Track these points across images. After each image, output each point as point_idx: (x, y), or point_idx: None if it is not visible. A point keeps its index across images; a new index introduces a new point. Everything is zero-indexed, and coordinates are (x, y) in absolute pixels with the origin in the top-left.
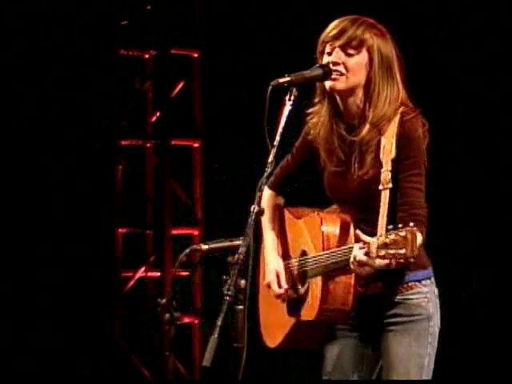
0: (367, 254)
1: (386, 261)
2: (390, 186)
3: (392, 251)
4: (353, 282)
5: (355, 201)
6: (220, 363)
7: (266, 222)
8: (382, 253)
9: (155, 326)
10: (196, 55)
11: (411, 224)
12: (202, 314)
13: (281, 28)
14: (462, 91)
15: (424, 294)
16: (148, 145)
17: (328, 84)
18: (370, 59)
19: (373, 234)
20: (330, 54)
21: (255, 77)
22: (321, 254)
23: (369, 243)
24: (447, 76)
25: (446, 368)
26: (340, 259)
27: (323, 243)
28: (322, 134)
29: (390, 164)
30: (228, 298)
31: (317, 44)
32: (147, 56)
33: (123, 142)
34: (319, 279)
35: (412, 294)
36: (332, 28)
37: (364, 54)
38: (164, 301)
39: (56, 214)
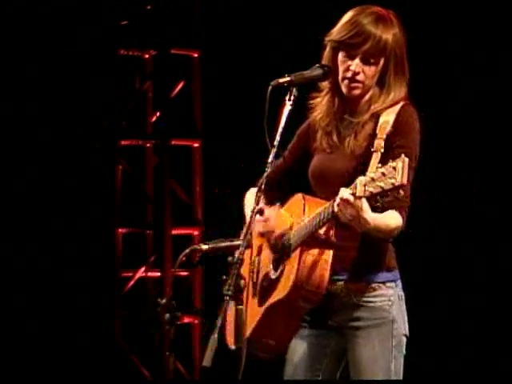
0: (353, 194)
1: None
2: (382, 151)
3: (381, 183)
4: (330, 259)
5: (341, 182)
6: (220, 363)
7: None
8: (370, 188)
9: (155, 326)
10: (196, 55)
11: (403, 155)
12: (201, 314)
13: (281, 28)
14: (461, 90)
15: (388, 297)
16: (148, 145)
17: (346, 91)
18: (386, 61)
19: None
20: (349, 56)
21: (255, 77)
22: (305, 221)
23: (355, 182)
24: (446, 75)
25: (447, 367)
26: (324, 214)
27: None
28: (325, 118)
29: (384, 136)
30: (228, 297)
31: (327, 34)
32: (147, 56)
33: (123, 142)
34: (296, 254)
35: (375, 296)
36: (354, 32)
37: (382, 60)
38: (164, 301)
39: (56, 213)
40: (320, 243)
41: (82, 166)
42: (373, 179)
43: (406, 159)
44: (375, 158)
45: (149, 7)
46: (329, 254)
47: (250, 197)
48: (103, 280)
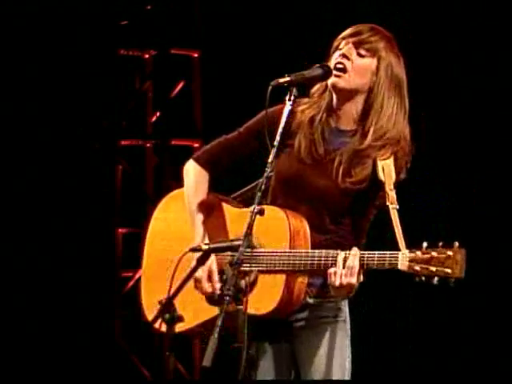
0: (362, 264)
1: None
2: (397, 207)
3: (433, 268)
4: (306, 281)
5: (316, 199)
6: (220, 363)
7: (193, 201)
8: (417, 267)
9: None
10: (196, 55)
11: (456, 244)
12: None
13: (281, 28)
14: (461, 90)
15: (340, 297)
16: (148, 145)
17: (330, 80)
18: (377, 69)
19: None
20: (341, 48)
21: (255, 77)
22: (292, 251)
23: (396, 255)
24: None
25: (447, 367)
26: (316, 265)
27: (291, 241)
28: (310, 120)
29: (392, 186)
30: (228, 297)
31: (333, 42)
32: (147, 56)
33: (123, 142)
34: (280, 278)
35: (330, 296)
36: (352, 28)
37: (373, 61)
38: (164, 301)
39: (56, 213)
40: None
41: (82, 166)
42: (423, 260)
43: (464, 251)
44: (393, 214)
45: (149, 7)
46: (306, 278)
47: (194, 175)
48: (103, 280)
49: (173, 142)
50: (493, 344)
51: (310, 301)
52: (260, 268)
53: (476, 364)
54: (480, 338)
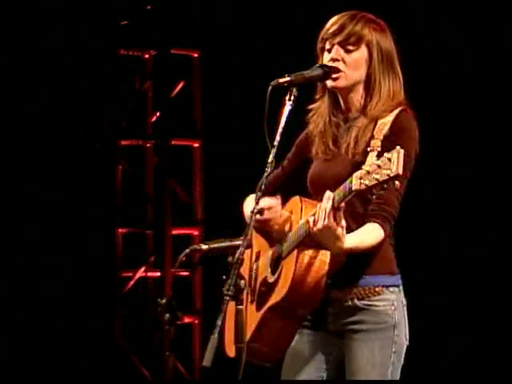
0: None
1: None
2: (379, 149)
3: (377, 175)
4: (327, 259)
5: (338, 185)
6: (220, 363)
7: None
8: (366, 181)
9: (155, 326)
10: (196, 55)
11: (397, 147)
12: (202, 314)
13: (281, 28)
14: (461, 90)
15: (391, 302)
16: (148, 145)
17: (329, 83)
18: (370, 55)
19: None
20: (329, 50)
21: (255, 77)
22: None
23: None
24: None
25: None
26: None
27: (301, 208)
28: (320, 127)
29: (381, 137)
30: (228, 297)
31: (317, 41)
32: (147, 56)
33: (123, 142)
34: (293, 255)
35: (378, 300)
36: (331, 24)
37: (363, 50)
38: (164, 301)
39: (56, 213)
40: (318, 244)
41: (82, 166)
42: (368, 172)
43: (402, 150)
44: (371, 156)
45: (149, 7)
46: (326, 255)
47: (250, 202)
48: (103, 280)
49: (173, 142)
50: (493, 343)
51: (358, 304)
52: (283, 256)
53: (476, 363)
54: (480, 337)
